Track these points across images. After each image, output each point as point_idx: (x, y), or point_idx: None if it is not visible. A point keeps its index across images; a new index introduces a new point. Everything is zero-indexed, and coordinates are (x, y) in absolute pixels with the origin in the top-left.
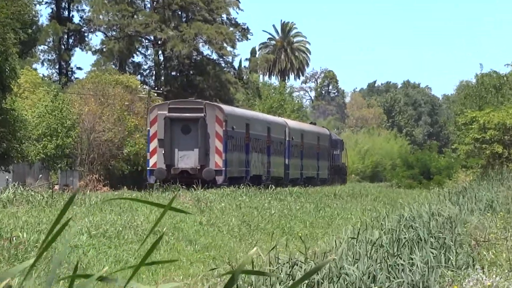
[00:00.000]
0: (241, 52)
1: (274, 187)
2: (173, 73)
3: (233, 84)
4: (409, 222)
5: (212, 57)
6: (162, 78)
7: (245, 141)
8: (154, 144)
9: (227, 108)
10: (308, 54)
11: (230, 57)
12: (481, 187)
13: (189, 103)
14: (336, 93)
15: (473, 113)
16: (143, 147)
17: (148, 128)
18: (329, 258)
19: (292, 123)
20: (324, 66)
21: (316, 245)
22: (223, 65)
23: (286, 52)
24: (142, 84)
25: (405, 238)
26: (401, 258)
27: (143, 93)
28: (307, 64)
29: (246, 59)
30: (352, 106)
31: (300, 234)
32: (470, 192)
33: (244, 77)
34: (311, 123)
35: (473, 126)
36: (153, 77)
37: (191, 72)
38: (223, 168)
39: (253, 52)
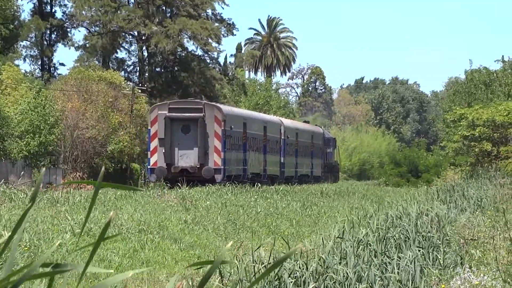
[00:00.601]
0: (227, 48)
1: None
2: (158, 69)
3: (218, 80)
4: (396, 221)
5: (197, 53)
6: (146, 74)
7: (243, 140)
8: (154, 143)
9: (225, 108)
10: (295, 50)
11: (215, 53)
12: (469, 185)
13: (189, 103)
14: (323, 90)
15: (462, 110)
16: (127, 144)
17: (149, 128)
18: (295, 247)
19: (287, 122)
20: (311, 62)
21: (303, 244)
22: (208, 61)
23: (272, 48)
24: (126, 81)
25: (392, 237)
26: (388, 257)
27: (127, 89)
28: (294, 60)
29: (232, 55)
30: (339, 103)
31: (286, 233)
32: (459, 190)
33: (230, 73)
34: (304, 121)
35: (461, 123)
36: (137, 73)
37: (176, 68)
38: (222, 167)
39: (238, 48)
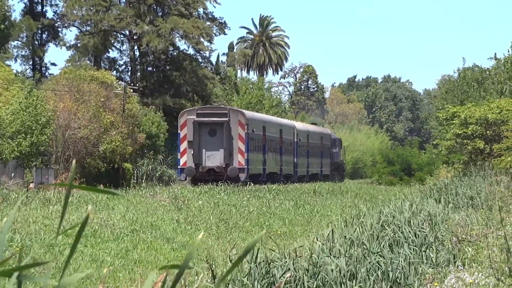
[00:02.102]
0: (219, 47)
1: (286, 183)
2: (149, 69)
3: (210, 79)
4: (390, 219)
5: (188, 52)
6: (138, 73)
7: (262, 142)
8: (184, 145)
9: (248, 113)
10: (287, 49)
11: (207, 52)
12: (462, 184)
13: (215, 109)
14: (315, 88)
15: (454, 108)
16: (119, 144)
17: (179, 132)
18: (261, 233)
19: (299, 125)
20: (303, 61)
21: (295, 242)
22: (200, 60)
23: (264, 46)
24: (117, 80)
25: (386, 235)
26: (381, 256)
27: (119, 89)
28: (286, 59)
29: (224, 54)
30: (332, 102)
31: (279, 232)
32: (452, 188)
33: (222, 72)
34: (312, 123)
35: (454, 121)
36: (129, 73)
37: (168, 67)
38: (245, 166)
39: (230, 46)
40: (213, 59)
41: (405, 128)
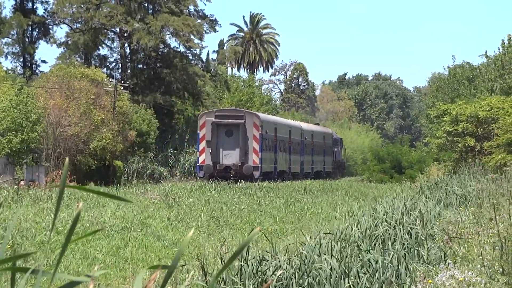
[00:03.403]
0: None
1: (292, 180)
2: (140, 66)
3: (201, 76)
4: (381, 217)
5: (179, 50)
6: (129, 71)
7: (274, 142)
8: (203, 144)
9: (262, 115)
10: (277, 46)
11: (198, 50)
12: (453, 181)
13: (232, 111)
14: (306, 86)
15: (445, 106)
16: (110, 141)
17: (198, 132)
18: (255, 231)
19: (305, 125)
20: (293, 58)
21: (287, 240)
22: (190, 57)
23: (255, 44)
24: (108, 77)
25: (378, 233)
26: (373, 254)
27: (109, 86)
28: (276, 57)
29: (214, 51)
30: (323, 99)
31: (270, 230)
32: (443, 186)
33: (212, 69)
34: (315, 123)
35: (445, 119)
36: (119, 70)
37: (158, 64)
38: (259, 165)
39: (221, 44)
40: (204, 56)
41: (396, 126)
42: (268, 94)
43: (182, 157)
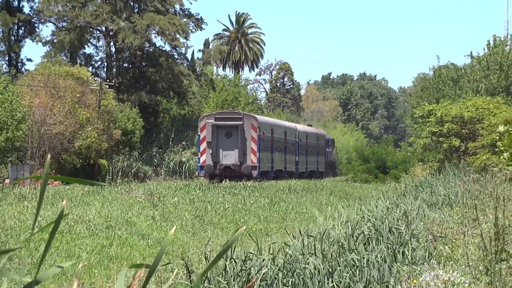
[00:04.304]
0: (195, 43)
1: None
2: (125, 65)
3: (186, 76)
4: (366, 217)
5: (164, 49)
6: (114, 69)
7: (270, 143)
8: (203, 145)
9: (259, 117)
10: (263, 46)
11: (183, 49)
12: (438, 182)
13: (231, 114)
14: (291, 86)
15: (430, 106)
16: (95, 140)
17: (199, 133)
18: (240, 230)
19: (300, 127)
20: (278, 58)
21: (270, 239)
22: (176, 56)
23: (240, 43)
24: (93, 76)
25: (361, 233)
26: (357, 254)
27: (95, 85)
28: (262, 56)
29: (199, 50)
30: (307, 99)
31: (254, 229)
32: (427, 186)
33: (198, 69)
34: (308, 125)
35: (430, 119)
36: (105, 69)
37: (143, 63)
38: (257, 164)
39: (206, 43)
40: (189, 55)
41: (381, 126)
42: (254, 93)
43: (167, 156)
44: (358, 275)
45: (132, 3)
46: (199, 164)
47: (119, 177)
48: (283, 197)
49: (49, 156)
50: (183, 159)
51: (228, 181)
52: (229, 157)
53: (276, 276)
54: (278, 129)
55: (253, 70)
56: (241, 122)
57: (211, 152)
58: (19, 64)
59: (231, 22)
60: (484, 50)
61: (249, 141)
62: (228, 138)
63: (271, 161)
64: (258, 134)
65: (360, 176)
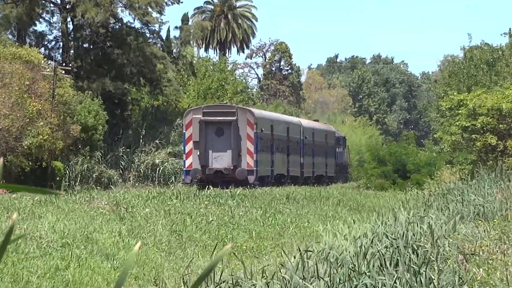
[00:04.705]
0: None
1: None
2: (85, 45)
3: (160, 59)
4: (381, 232)
5: (133, 26)
6: (72, 51)
7: (270, 142)
8: (189, 146)
9: (256, 111)
10: (254, 22)
11: (157, 26)
12: (470, 189)
13: (222, 107)
14: (289, 71)
15: (460, 96)
16: (48, 138)
17: (184, 131)
18: (225, 248)
19: (305, 122)
20: (274, 37)
21: (265, 260)
22: (147, 35)
23: (226, 19)
24: (46, 59)
25: (376, 252)
26: (370, 277)
27: (48, 70)
28: (253, 35)
29: (176, 27)
30: (309, 87)
31: (244, 247)
32: (457, 194)
33: (174, 50)
34: (315, 120)
35: (460, 112)
36: (60, 50)
37: (108, 44)
38: (255, 168)
39: (185, 19)
40: (164, 34)
41: (399, 120)
42: (244, 80)
43: (136, 157)
44: None
45: None
46: (184, 169)
47: (77, 183)
48: (280, 207)
49: (1, 160)
50: (157, 161)
51: (212, 188)
52: (221, 160)
53: None
54: (279, 125)
55: (243, 52)
56: (234, 118)
57: (198, 153)
58: None
59: None
60: None
61: (245, 140)
62: (219, 137)
63: (271, 164)
64: (256, 132)
65: (375, 182)
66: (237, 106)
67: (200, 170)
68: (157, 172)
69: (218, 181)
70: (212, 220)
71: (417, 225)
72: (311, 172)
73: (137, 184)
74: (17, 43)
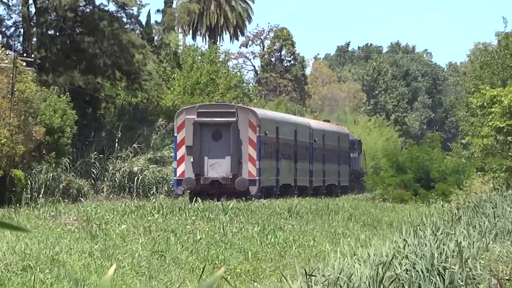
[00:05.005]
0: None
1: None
2: (50, 32)
3: (139, 48)
4: (401, 252)
5: (107, 9)
6: (34, 39)
7: (275, 147)
8: (181, 151)
9: (259, 111)
10: (251, 4)
11: (135, 9)
12: (506, 200)
13: (220, 107)
14: (292, 62)
15: (493, 91)
16: (6, 142)
17: (175, 134)
18: (218, 272)
19: (314, 123)
20: (273, 22)
21: (262, 285)
22: (124, 20)
23: (218, 0)
24: (4, 49)
25: (395, 276)
26: None
27: (6, 61)
28: (249, 19)
29: (158, 11)
30: (316, 81)
31: (238, 270)
32: (490, 207)
33: (156, 37)
34: (325, 120)
35: (493, 110)
36: (21, 39)
37: (77, 30)
38: (257, 178)
39: (168, 1)
40: (143, 18)
41: (422, 120)
42: (238, 73)
43: (111, 164)
44: None
45: None
46: (175, 178)
47: (41, 196)
48: (281, 223)
49: None
50: (135, 169)
51: (200, 201)
52: (218, 168)
53: None
54: (285, 127)
55: (237, 40)
56: (234, 119)
57: (192, 160)
58: None
59: None
60: None
61: (246, 144)
62: (216, 141)
63: (276, 172)
64: (259, 135)
65: (393, 192)
66: (238, 105)
67: (194, 179)
68: (136, 182)
69: (214, 193)
70: (200, 238)
71: (443, 244)
72: (322, 181)
73: (111, 196)
74: None
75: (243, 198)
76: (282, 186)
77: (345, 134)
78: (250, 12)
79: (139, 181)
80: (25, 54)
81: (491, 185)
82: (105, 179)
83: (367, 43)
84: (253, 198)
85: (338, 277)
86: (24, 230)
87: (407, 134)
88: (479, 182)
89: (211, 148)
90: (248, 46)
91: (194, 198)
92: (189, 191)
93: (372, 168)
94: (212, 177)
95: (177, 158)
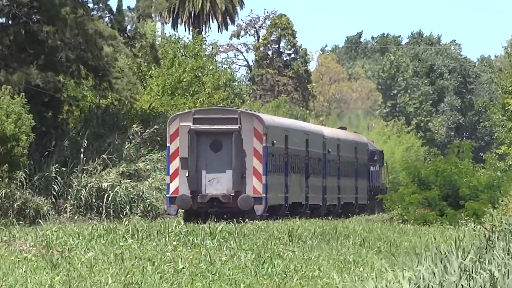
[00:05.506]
0: None
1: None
2: (1, 21)
3: (109, 39)
4: (424, 285)
5: None
6: None
7: (284, 159)
8: (175, 164)
9: (266, 117)
10: None
11: None
12: None
13: (220, 112)
14: (292, 55)
15: None
16: None
17: (168, 145)
18: None
19: (328, 131)
20: (270, 8)
21: None
22: (90, 6)
23: None
24: None
25: None
26: None
27: None
28: (241, 4)
29: None
30: (321, 78)
31: None
32: None
33: (129, 27)
34: (340, 127)
35: None
36: None
37: (34, 18)
38: (264, 195)
39: None
40: (114, 3)
41: (449, 125)
42: (228, 69)
43: (75, 179)
44: None
45: None
46: (168, 195)
47: None
48: (279, 250)
49: None
50: (104, 185)
51: (183, 223)
52: (218, 183)
53: None
54: (295, 136)
55: (226, 29)
56: (237, 126)
57: (187, 175)
58: None
59: None
60: None
61: (251, 156)
62: (215, 152)
63: (284, 189)
64: (265, 145)
65: (414, 213)
66: (241, 111)
67: (190, 197)
68: (105, 200)
69: (213, 213)
70: (183, 268)
71: (475, 274)
72: (337, 199)
73: (76, 217)
74: None
75: (253, 219)
76: (291, 204)
77: (364, 143)
78: None
79: (109, 199)
80: None
81: None
82: (69, 196)
83: (383, 33)
84: (258, 219)
85: None
86: None
87: (432, 142)
88: None
89: (210, 161)
90: (240, 37)
91: (179, 223)
92: (183, 210)
93: (390, 184)
94: (210, 195)
95: (170, 172)
